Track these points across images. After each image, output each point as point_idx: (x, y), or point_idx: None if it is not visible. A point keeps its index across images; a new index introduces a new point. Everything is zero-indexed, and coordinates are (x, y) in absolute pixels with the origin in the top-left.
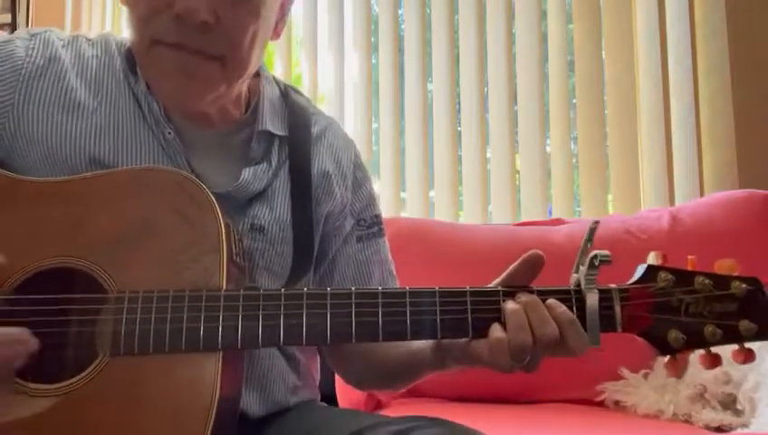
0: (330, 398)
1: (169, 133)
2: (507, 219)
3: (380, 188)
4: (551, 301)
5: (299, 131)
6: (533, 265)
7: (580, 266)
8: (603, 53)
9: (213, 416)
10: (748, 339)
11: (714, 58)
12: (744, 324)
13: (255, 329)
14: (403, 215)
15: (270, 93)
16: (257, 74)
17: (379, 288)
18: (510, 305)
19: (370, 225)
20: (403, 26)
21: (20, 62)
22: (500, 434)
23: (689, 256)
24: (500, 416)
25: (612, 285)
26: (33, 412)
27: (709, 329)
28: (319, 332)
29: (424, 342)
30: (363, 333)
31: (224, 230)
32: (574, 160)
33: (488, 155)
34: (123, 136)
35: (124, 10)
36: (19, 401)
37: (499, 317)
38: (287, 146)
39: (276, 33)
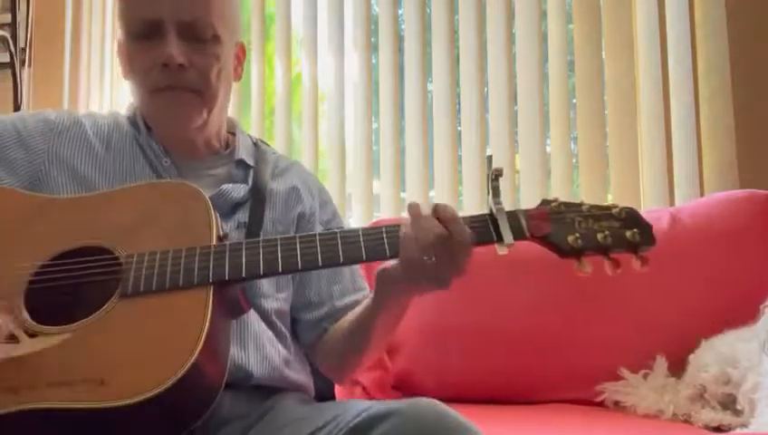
0: (330, 398)
1: (166, 162)
2: None
3: (380, 188)
4: (436, 206)
5: (262, 164)
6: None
7: (488, 197)
8: (603, 53)
9: (199, 347)
10: (635, 243)
11: (714, 58)
12: (629, 232)
13: (239, 265)
14: (403, 215)
15: (244, 140)
16: (233, 132)
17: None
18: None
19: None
20: (403, 26)
21: (52, 123)
22: (500, 434)
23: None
24: (500, 416)
25: (517, 209)
26: (50, 344)
27: (600, 235)
28: (291, 262)
29: (365, 303)
30: (310, 260)
31: (212, 211)
32: (574, 160)
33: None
34: (128, 172)
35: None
36: (38, 339)
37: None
38: (254, 173)
39: (237, 76)
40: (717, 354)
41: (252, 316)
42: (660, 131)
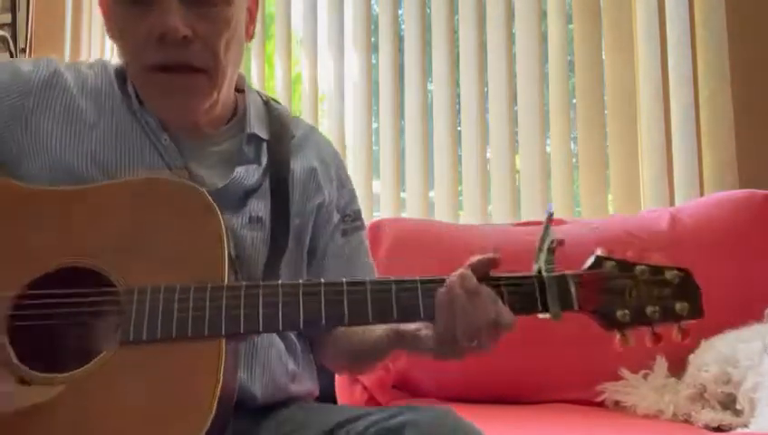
0: (330, 397)
1: (165, 140)
2: (507, 219)
3: (380, 188)
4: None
5: (279, 136)
6: (487, 266)
7: (540, 255)
8: (603, 53)
9: (216, 401)
10: (683, 317)
11: (714, 58)
12: (679, 305)
13: (256, 316)
14: (403, 215)
15: (255, 103)
16: (242, 90)
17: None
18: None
19: (354, 219)
20: (403, 26)
21: (27, 76)
22: (500, 434)
23: (627, 252)
24: (500, 416)
25: (568, 272)
26: (43, 399)
27: (650, 309)
28: (315, 318)
29: (380, 335)
30: (354, 318)
31: (224, 229)
32: (574, 160)
33: (488, 155)
34: (124, 145)
35: None
36: (29, 389)
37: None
38: (269, 153)
39: (248, 36)
40: (717, 354)
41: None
42: (660, 131)
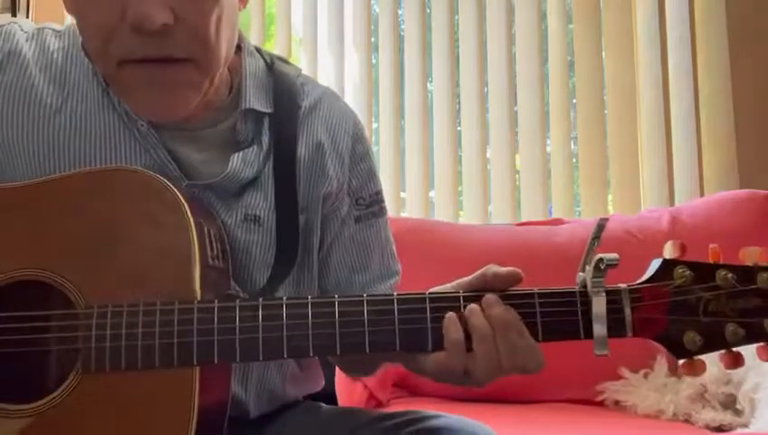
0: (330, 397)
1: (142, 126)
2: (507, 219)
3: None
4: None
5: (285, 107)
6: (509, 284)
7: (587, 266)
8: (603, 53)
9: (193, 429)
10: None
11: (714, 58)
12: None
13: (232, 343)
14: (403, 215)
15: (253, 68)
16: (238, 48)
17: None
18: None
19: (370, 204)
20: (403, 26)
21: None
22: (500, 434)
23: (711, 246)
24: (500, 416)
25: (622, 285)
26: (7, 429)
27: (730, 328)
28: (300, 346)
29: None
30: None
31: (195, 234)
32: (574, 160)
33: (488, 155)
34: (94, 132)
35: None
36: None
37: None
38: (273, 130)
39: (243, 2)
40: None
41: None
42: (660, 131)
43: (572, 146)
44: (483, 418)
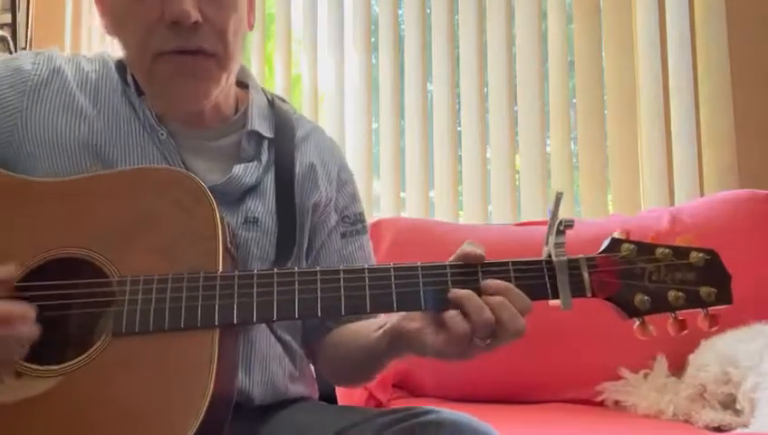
0: (330, 399)
1: (162, 135)
2: (507, 219)
3: (380, 188)
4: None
5: (284, 134)
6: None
7: (550, 238)
8: (603, 53)
9: (209, 395)
10: (709, 304)
11: (714, 58)
12: (705, 290)
13: (250, 305)
14: (403, 215)
15: (258, 101)
16: (246, 85)
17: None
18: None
19: (354, 222)
20: (403, 26)
21: (26, 75)
22: (500, 434)
23: (651, 234)
24: (500, 416)
25: (580, 256)
26: (36, 392)
27: (672, 294)
28: (309, 306)
29: (379, 336)
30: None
31: (219, 218)
32: (574, 160)
33: (488, 155)
34: (121, 137)
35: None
36: (23, 382)
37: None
38: (274, 147)
39: (249, 25)
40: (717, 354)
41: (261, 334)
42: (660, 131)
43: (572, 146)
44: (482, 418)
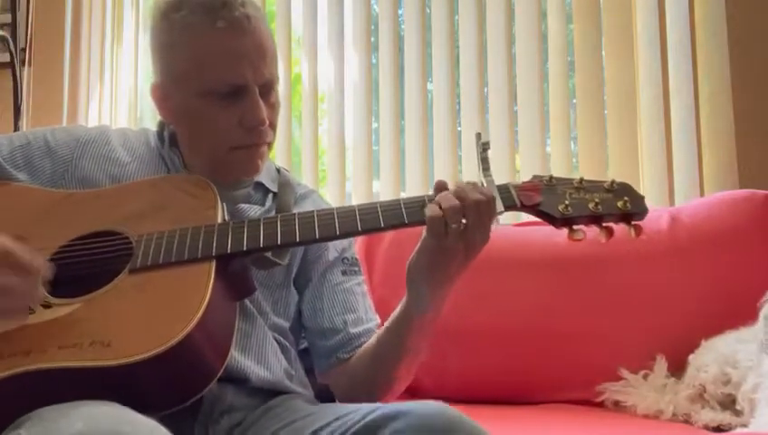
0: (329, 397)
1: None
2: (507, 219)
3: (380, 188)
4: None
5: (286, 191)
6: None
7: (479, 170)
8: (603, 53)
9: (204, 305)
10: (627, 212)
11: (714, 58)
12: (621, 201)
13: (241, 239)
14: None
15: (268, 165)
16: None
17: (334, 209)
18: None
19: (352, 263)
20: (403, 26)
21: (78, 135)
22: (500, 434)
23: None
24: (500, 416)
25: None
26: (62, 314)
27: (592, 204)
28: (289, 232)
29: (396, 318)
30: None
31: (219, 199)
32: (574, 160)
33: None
34: (148, 175)
35: (127, 14)
36: (52, 310)
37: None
38: (277, 199)
39: None
40: (717, 355)
41: (257, 328)
42: (660, 131)
43: (572, 146)
44: (483, 419)
